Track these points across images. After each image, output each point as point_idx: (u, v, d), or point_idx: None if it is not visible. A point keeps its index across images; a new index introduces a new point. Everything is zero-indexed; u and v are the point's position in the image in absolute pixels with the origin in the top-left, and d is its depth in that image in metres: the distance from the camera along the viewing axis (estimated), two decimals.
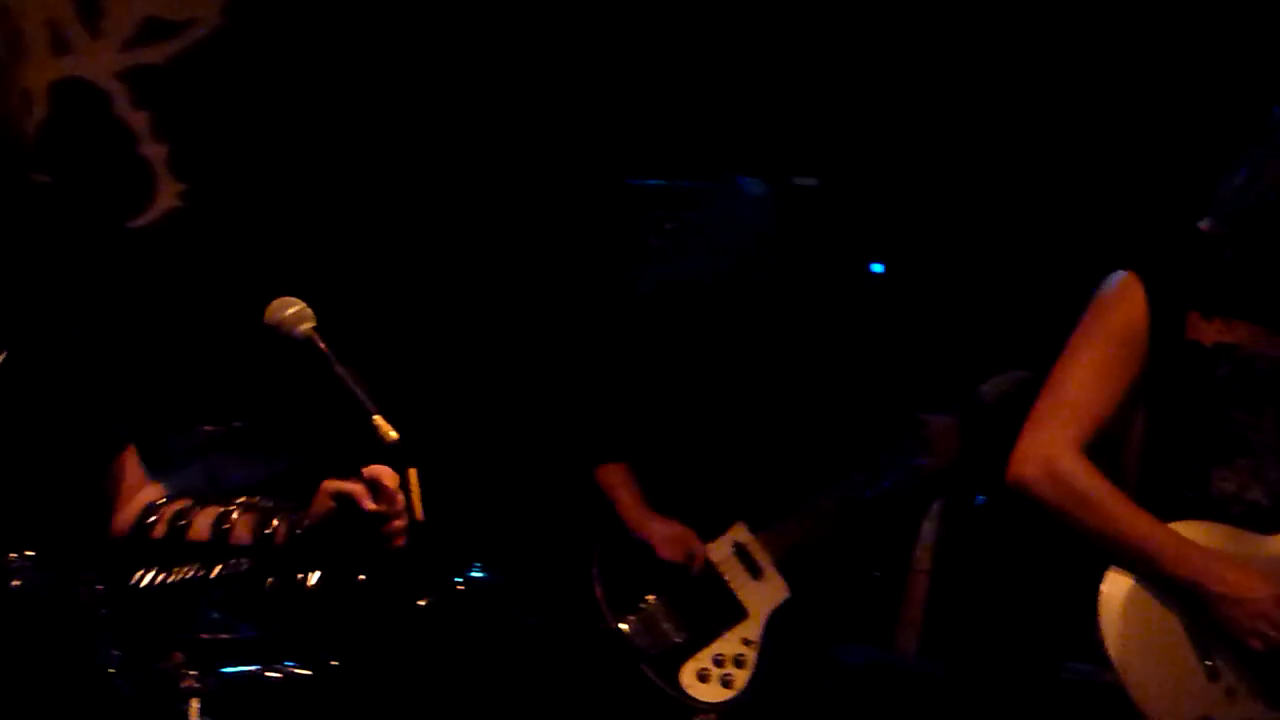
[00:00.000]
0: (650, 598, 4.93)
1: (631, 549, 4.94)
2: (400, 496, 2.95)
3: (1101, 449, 3.74)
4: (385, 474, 2.95)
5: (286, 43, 5.66)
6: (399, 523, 2.97)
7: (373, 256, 5.75)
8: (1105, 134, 5.76)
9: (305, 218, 5.67)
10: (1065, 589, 5.32)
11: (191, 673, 4.14)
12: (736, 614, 4.97)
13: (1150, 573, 3.65)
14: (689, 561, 4.93)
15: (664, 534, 4.94)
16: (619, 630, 4.89)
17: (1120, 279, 3.76)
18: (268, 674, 4.36)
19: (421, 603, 4.74)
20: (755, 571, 5.02)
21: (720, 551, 5.01)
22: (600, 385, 5.06)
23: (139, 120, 5.62)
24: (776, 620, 4.99)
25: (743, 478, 5.04)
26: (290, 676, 4.37)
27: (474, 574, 4.83)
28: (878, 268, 5.65)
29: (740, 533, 5.04)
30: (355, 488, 2.95)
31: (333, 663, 4.38)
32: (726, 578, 4.99)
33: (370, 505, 2.93)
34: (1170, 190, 5.07)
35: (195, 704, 4.12)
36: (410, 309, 5.74)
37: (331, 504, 2.97)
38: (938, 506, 5.15)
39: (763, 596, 5.00)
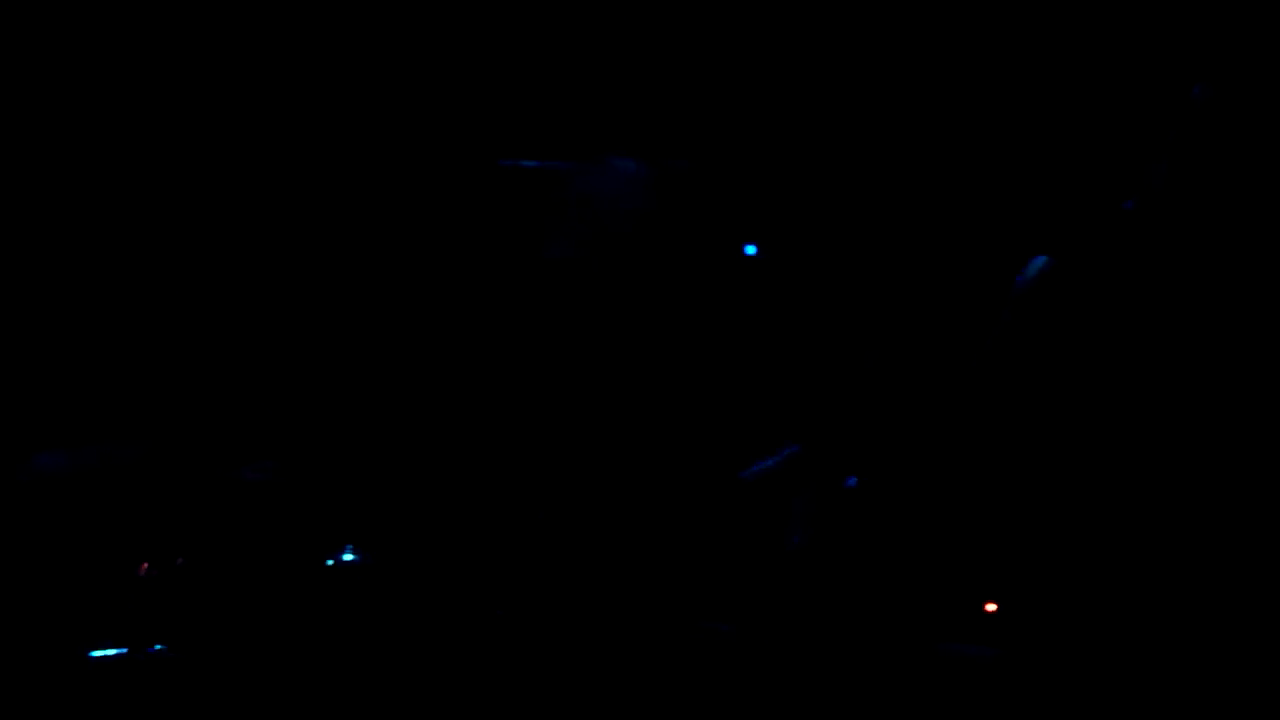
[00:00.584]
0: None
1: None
2: None
3: None
4: None
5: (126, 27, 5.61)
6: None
7: (243, 247, 5.72)
8: (987, 113, 5.79)
9: (174, 199, 5.63)
10: (938, 571, 5.39)
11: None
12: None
13: None
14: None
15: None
16: (500, 615, 4.88)
17: (1040, 266, 3.79)
18: (139, 658, 4.34)
19: (287, 586, 4.74)
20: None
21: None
22: (473, 368, 5.05)
23: None
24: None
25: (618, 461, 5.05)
26: (160, 659, 4.36)
27: (346, 556, 4.82)
28: (751, 249, 5.66)
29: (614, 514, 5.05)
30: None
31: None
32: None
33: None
34: (1093, 171, 5.12)
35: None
36: (282, 292, 5.71)
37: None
38: (810, 487, 5.16)
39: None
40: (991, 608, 5.27)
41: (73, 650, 4.20)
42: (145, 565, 4.27)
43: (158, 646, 4.38)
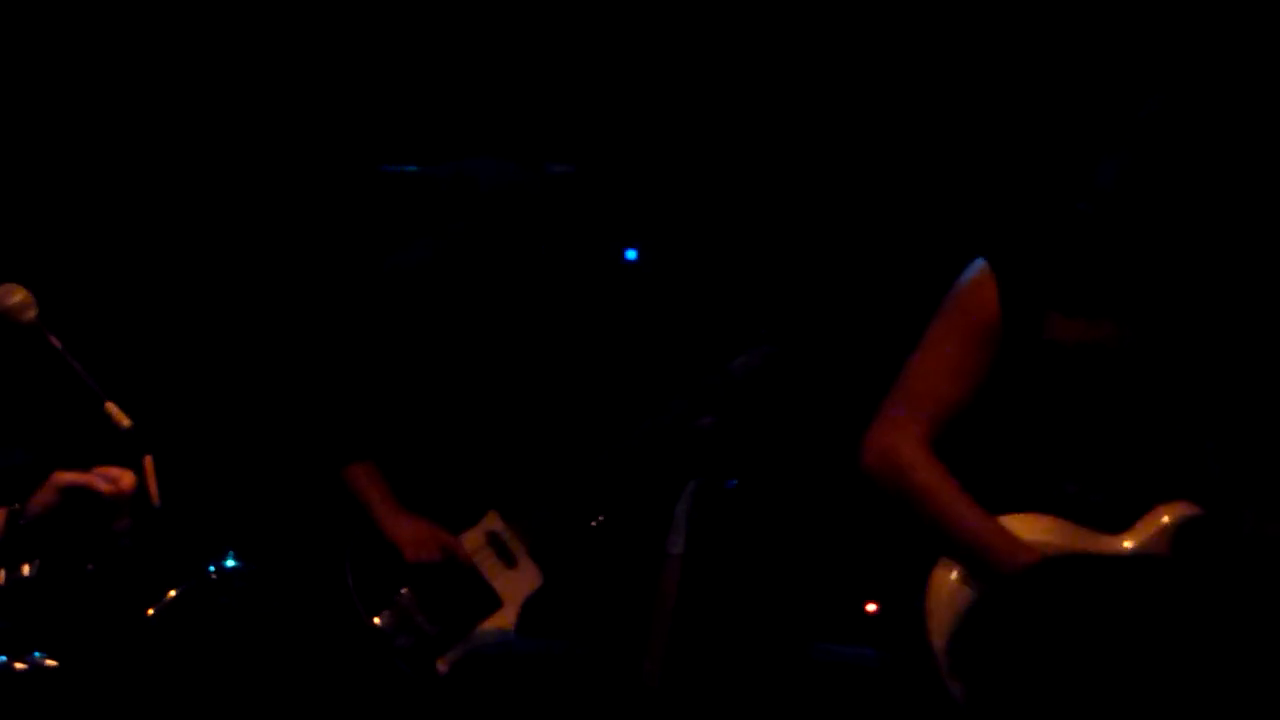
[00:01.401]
0: (404, 590, 4.88)
1: (383, 543, 4.89)
2: (131, 489, 2.94)
3: (955, 440, 3.77)
4: (122, 476, 2.95)
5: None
6: (126, 520, 2.97)
7: (109, 243, 5.69)
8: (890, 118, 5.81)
9: (35, 203, 5.59)
10: (816, 573, 5.41)
11: None
12: (491, 604, 4.95)
13: (974, 564, 3.67)
14: (439, 559, 4.89)
15: (411, 536, 4.88)
16: (373, 625, 4.84)
17: (975, 272, 3.76)
18: (16, 666, 4.31)
19: (171, 593, 4.70)
20: (509, 560, 4.99)
21: (474, 541, 4.98)
22: (339, 383, 4.95)
23: None
24: (531, 608, 4.98)
25: (495, 466, 5.01)
26: (38, 668, 4.33)
27: (228, 563, 4.78)
28: (631, 254, 5.69)
29: (493, 521, 5.00)
30: (87, 478, 2.95)
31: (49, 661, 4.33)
32: (480, 568, 4.97)
33: (104, 487, 2.93)
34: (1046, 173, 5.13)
35: None
36: (154, 297, 5.69)
37: (58, 496, 2.96)
38: (690, 489, 5.17)
39: (517, 585, 4.98)
40: (872, 608, 5.33)
41: None
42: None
43: (36, 654, 4.35)
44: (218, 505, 5.20)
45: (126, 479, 2.96)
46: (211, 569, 4.78)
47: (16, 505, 3.02)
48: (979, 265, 3.76)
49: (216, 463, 5.37)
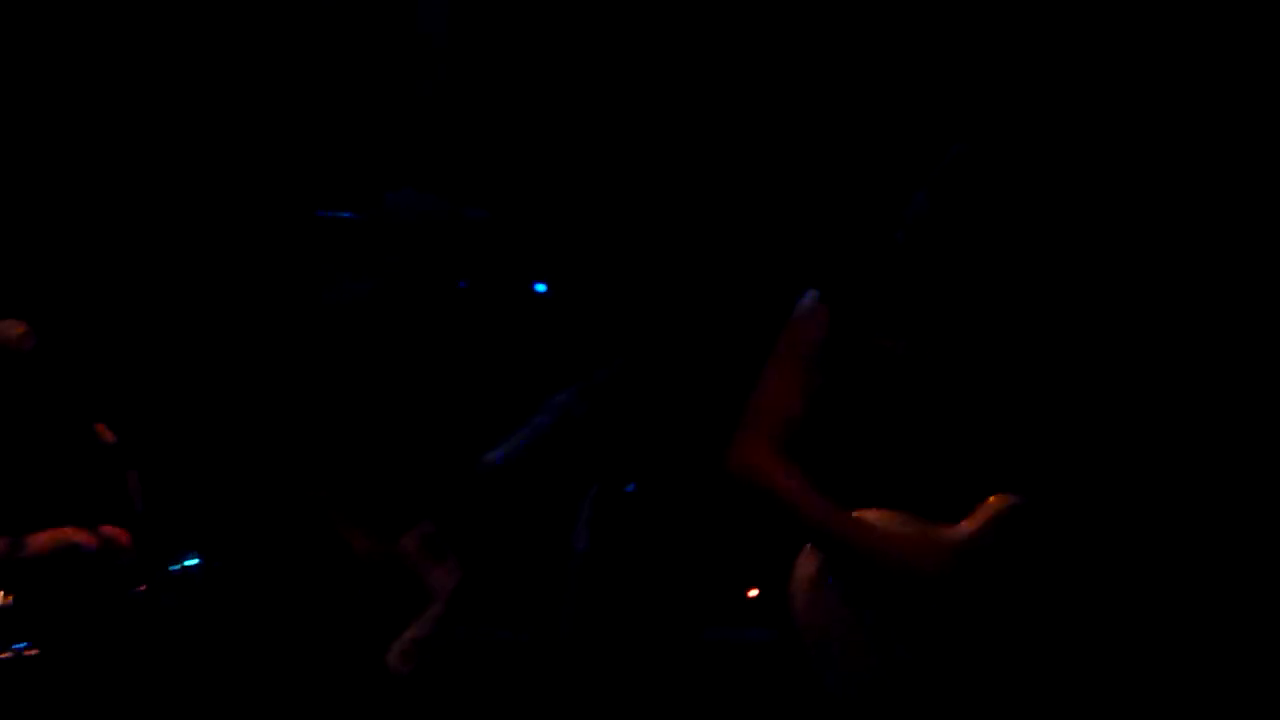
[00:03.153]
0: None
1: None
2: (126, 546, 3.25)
3: (813, 446, 4.19)
4: (118, 535, 3.26)
5: None
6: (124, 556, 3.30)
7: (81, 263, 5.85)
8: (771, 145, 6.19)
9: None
10: (707, 566, 5.76)
11: None
12: (424, 599, 5.31)
13: (831, 550, 4.06)
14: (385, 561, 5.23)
15: (367, 548, 5.20)
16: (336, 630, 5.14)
17: (808, 301, 4.19)
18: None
19: (140, 588, 4.92)
20: (440, 557, 5.35)
21: (412, 542, 5.34)
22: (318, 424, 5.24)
23: None
24: (455, 601, 5.33)
25: (429, 475, 5.36)
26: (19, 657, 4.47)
27: (189, 562, 4.86)
28: (541, 287, 5.89)
29: (428, 525, 5.36)
30: (77, 539, 3.26)
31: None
32: (416, 567, 5.31)
33: (91, 543, 3.25)
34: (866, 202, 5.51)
35: None
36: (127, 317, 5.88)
37: (51, 547, 3.28)
38: (593, 491, 5.51)
39: (444, 581, 5.33)
40: (754, 594, 5.76)
41: None
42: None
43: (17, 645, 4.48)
44: (188, 508, 5.29)
45: (122, 538, 3.27)
46: (175, 568, 4.86)
47: (15, 539, 3.33)
48: (811, 296, 4.21)
49: (191, 469, 5.51)
